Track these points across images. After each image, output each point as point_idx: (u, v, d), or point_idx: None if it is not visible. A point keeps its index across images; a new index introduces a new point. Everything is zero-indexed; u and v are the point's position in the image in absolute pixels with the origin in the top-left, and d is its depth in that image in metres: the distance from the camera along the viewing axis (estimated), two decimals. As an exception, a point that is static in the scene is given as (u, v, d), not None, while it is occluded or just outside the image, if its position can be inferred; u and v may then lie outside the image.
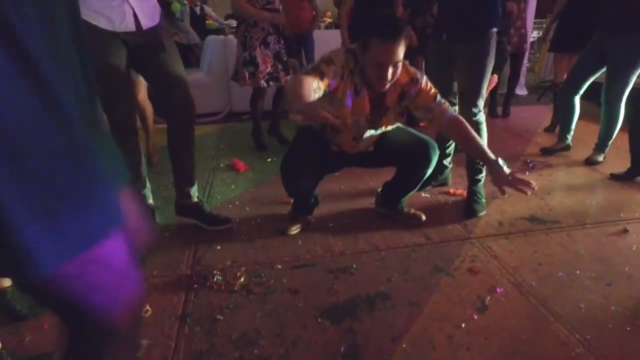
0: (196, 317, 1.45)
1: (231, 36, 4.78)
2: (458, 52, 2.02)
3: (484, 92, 2.06)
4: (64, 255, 0.53)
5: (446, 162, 2.42)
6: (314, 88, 1.48)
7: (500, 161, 1.65)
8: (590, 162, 2.80)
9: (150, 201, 2.07)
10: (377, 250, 1.83)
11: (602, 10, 2.58)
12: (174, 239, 1.96)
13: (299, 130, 1.97)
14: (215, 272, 1.68)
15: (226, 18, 7.32)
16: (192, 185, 2.00)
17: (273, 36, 2.86)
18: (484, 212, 2.14)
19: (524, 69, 5.40)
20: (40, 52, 0.49)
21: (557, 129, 3.27)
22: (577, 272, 1.66)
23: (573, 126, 2.98)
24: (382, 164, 2.02)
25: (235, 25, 6.10)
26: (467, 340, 1.33)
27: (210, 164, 2.92)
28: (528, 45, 4.13)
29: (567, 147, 3.01)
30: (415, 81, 1.72)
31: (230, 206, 2.28)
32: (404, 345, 1.31)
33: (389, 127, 1.87)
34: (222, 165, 2.90)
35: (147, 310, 1.47)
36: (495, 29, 1.99)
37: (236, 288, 1.59)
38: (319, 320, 1.43)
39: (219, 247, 1.87)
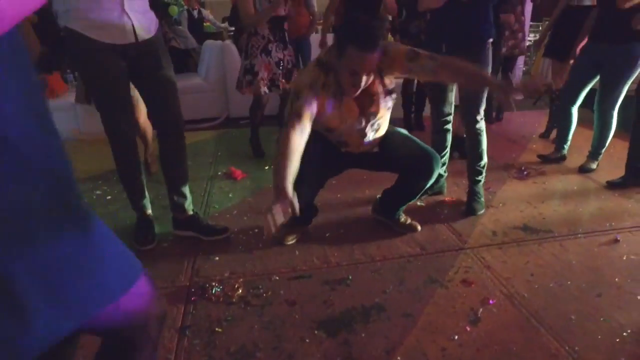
0: (195, 330, 1.48)
1: (229, 41, 4.81)
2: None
3: (484, 100, 2.17)
4: (71, 319, 0.61)
5: (441, 170, 2.46)
6: (300, 143, 1.54)
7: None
8: (583, 170, 2.83)
9: (149, 211, 2.09)
10: (373, 261, 1.86)
11: (597, 22, 2.62)
12: (172, 249, 1.99)
13: None
14: (214, 283, 1.71)
15: (223, 21, 7.34)
16: (186, 199, 2.03)
17: (275, 44, 2.87)
18: (482, 211, 2.26)
19: (519, 73, 5.45)
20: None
21: (553, 135, 3.31)
22: (569, 282, 1.69)
23: (570, 137, 3.02)
24: (384, 167, 2.05)
25: (232, 29, 6.15)
26: (460, 352, 1.36)
27: (207, 171, 2.95)
28: (524, 48, 4.16)
29: (563, 158, 3.05)
30: (385, 53, 1.67)
31: (228, 216, 2.31)
32: (399, 358, 1.34)
33: (384, 116, 1.87)
34: (219, 173, 2.93)
35: (147, 323, 1.50)
36: (490, 40, 2.08)
37: (234, 300, 1.62)
38: (316, 332, 1.46)
39: (217, 258, 1.90)
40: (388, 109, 1.86)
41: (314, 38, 4.37)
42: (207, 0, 8.54)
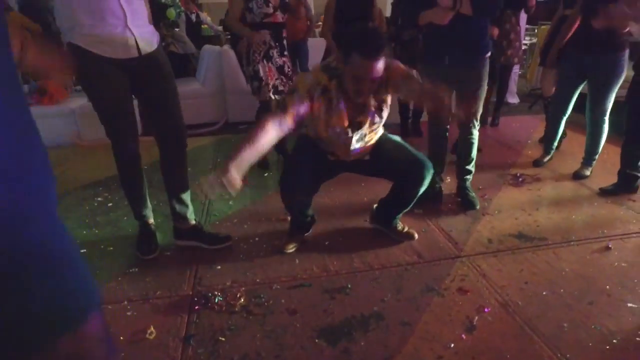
0: (199, 339, 1.52)
1: (227, 46, 4.85)
2: (458, 75, 2.18)
3: (481, 108, 2.31)
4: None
5: (437, 178, 2.51)
6: (273, 136, 1.60)
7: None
8: (578, 177, 2.89)
9: (152, 220, 2.13)
10: (371, 269, 1.91)
11: (582, 33, 2.68)
12: (174, 258, 2.03)
13: (296, 141, 2.06)
14: (216, 292, 1.75)
15: (220, 23, 7.37)
16: (188, 208, 2.07)
17: (275, 50, 2.90)
18: (478, 205, 2.45)
19: (516, 77, 5.51)
20: None
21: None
22: (561, 290, 1.74)
23: (555, 144, 3.13)
24: (377, 174, 2.09)
25: (228, 33, 6.18)
26: (456, 360, 1.41)
27: (208, 178, 2.98)
28: (521, 57, 4.23)
29: (550, 158, 3.15)
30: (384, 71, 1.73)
31: (228, 224, 2.35)
32: (397, 366, 1.39)
33: (373, 131, 1.92)
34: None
35: (152, 332, 1.54)
36: (489, 53, 2.21)
37: (237, 309, 1.66)
38: (316, 341, 1.50)
39: (219, 267, 1.94)
40: (376, 123, 1.90)
41: (312, 42, 4.42)
42: (205, 2, 8.56)
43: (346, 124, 1.81)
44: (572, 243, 2.10)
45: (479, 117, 2.37)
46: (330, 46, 3.48)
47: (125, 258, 2.03)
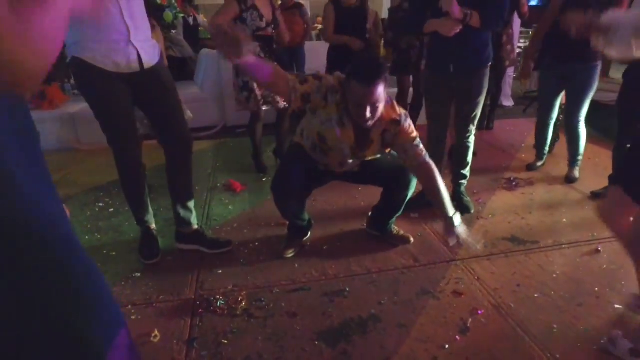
0: (202, 342, 1.57)
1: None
2: (461, 83, 2.28)
3: (479, 116, 2.41)
4: None
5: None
6: (278, 85, 1.70)
7: (456, 219, 1.78)
8: (569, 180, 2.97)
9: (153, 226, 2.17)
10: (369, 273, 1.96)
11: (559, 41, 2.78)
12: (176, 262, 2.08)
13: (288, 149, 2.12)
14: (218, 296, 1.80)
15: (218, 26, 7.39)
16: (192, 213, 2.12)
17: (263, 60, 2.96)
18: (472, 209, 2.53)
19: (510, 80, 5.58)
20: None
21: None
22: (552, 292, 1.81)
23: (547, 148, 3.21)
24: (366, 182, 2.19)
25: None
26: (451, 361, 1.47)
27: (207, 183, 3.03)
28: (513, 60, 4.29)
29: (543, 162, 3.23)
30: (397, 123, 1.84)
31: (228, 228, 2.40)
32: (394, 367, 1.44)
33: (372, 157, 2.01)
34: (219, 184, 3.02)
35: (156, 336, 1.59)
36: (490, 63, 2.30)
37: (238, 312, 1.71)
38: (316, 343, 1.55)
39: (220, 271, 1.99)
40: (372, 156, 2.00)
41: (309, 46, 4.47)
42: (201, 4, 8.59)
43: (352, 144, 1.87)
44: (563, 246, 2.16)
45: (476, 123, 2.44)
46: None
47: (128, 263, 2.07)
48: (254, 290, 1.86)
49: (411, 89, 3.86)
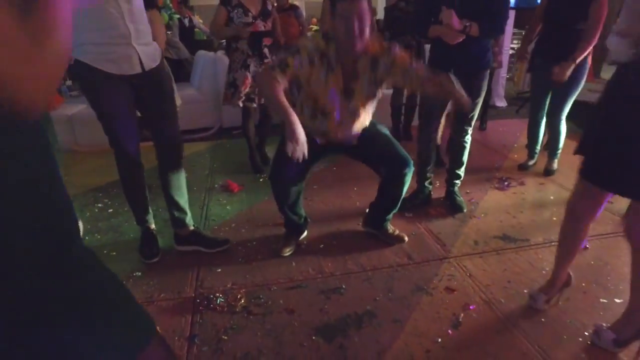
0: (203, 338, 1.61)
1: (221, 52, 4.93)
2: (462, 85, 2.28)
3: (476, 115, 2.48)
4: None
5: (427, 183, 2.64)
6: (281, 89, 1.77)
7: (455, 81, 1.86)
8: (547, 172, 3.13)
9: (153, 226, 2.22)
10: (364, 270, 2.02)
11: (545, 40, 2.89)
12: (176, 261, 2.12)
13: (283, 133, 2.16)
14: (218, 294, 1.85)
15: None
16: (186, 214, 2.16)
17: (253, 59, 3.02)
18: (465, 208, 2.59)
19: (503, 82, 5.66)
20: None
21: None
22: (541, 288, 1.87)
23: (539, 144, 3.27)
24: (361, 159, 2.16)
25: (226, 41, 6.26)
26: (443, 354, 1.52)
27: (205, 184, 3.07)
28: (501, 62, 4.38)
29: (535, 161, 3.30)
30: (388, 50, 1.90)
31: (227, 228, 2.45)
32: (388, 360, 1.50)
33: (364, 108, 2.00)
34: (216, 185, 3.06)
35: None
36: (489, 67, 2.38)
37: (237, 309, 1.76)
38: (313, 338, 1.61)
39: (219, 270, 2.03)
40: (368, 97, 1.98)
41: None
42: (196, 5, 8.62)
43: (341, 85, 1.90)
44: (552, 244, 2.22)
45: (472, 123, 2.50)
46: None
47: (129, 262, 2.11)
48: (253, 288, 1.91)
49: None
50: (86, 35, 1.70)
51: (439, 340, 1.58)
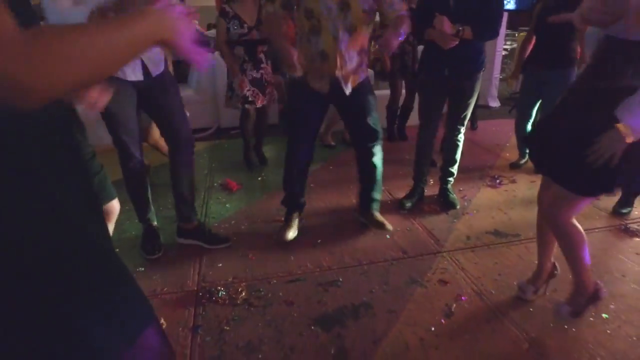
0: (206, 328, 1.68)
1: (217, 53, 4.98)
2: (454, 86, 2.43)
3: (469, 114, 2.57)
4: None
5: (422, 183, 2.72)
6: (278, 17, 1.98)
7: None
8: (514, 166, 3.33)
9: (155, 223, 2.28)
10: (360, 264, 2.09)
11: (536, 48, 2.98)
12: (178, 257, 2.18)
13: (288, 98, 2.37)
14: (219, 287, 1.91)
15: (209, 27, 7.48)
16: (193, 209, 2.23)
17: (249, 64, 3.13)
18: (459, 205, 2.67)
19: (496, 82, 5.76)
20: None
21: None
22: (530, 280, 1.95)
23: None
24: (345, 113, 2.26)
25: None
26: (436, 341, 1.60)
27: (204, 183, 3.14)
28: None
29: (526, 160, 3.39)
30: None
31: (226, 225, 2.51)
32: (384, 348, 1.57)
33: (361, 25, 1.98)
34: (215, 184, 3.12)
35: (163, 324, 1.69)
36: (483, 69, 2.44)
37: (239, 302, 1.83)
38: (312, 328, 1.68)
39: (220, 265, 2.10)
40: (364, 12, 1.95)
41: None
42: (193, 6, 8.67)
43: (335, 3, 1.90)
44: (541, 238, 2.31)
45: (465, 123, 2.58)
46: None
47: (132, 258, 2.17)
48: (253, 281, 1.97)
49: (403, 91, 3.99)
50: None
51: (432, 329, 1.66)
